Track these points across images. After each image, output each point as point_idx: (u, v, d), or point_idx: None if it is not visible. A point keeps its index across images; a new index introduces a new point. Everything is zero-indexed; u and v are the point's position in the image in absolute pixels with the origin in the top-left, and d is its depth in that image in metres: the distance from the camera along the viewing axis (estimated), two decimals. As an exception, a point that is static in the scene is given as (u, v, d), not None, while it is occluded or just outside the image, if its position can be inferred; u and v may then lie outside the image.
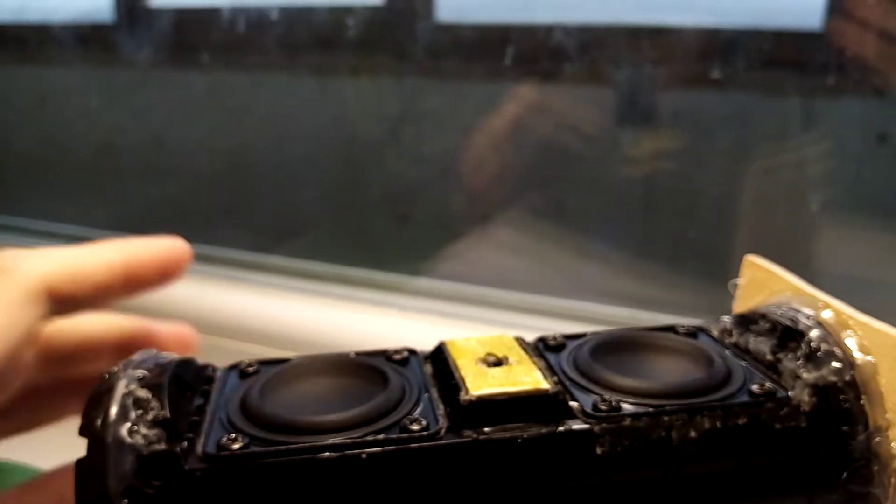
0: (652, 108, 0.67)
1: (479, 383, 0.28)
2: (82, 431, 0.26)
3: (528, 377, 0.28)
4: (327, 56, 0.79)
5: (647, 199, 0.67)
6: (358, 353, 0.33)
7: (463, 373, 0.29)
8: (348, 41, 0.76)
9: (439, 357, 0.31)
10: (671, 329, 0.34)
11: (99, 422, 0.26)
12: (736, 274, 0.36)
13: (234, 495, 0.25)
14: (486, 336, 0.32)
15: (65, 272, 0.33)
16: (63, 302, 0.33)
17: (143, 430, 0.26)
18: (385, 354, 0.33)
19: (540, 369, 0.29)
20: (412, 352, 0.33)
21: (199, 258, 0.75)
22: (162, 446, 0.25)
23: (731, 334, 0.33)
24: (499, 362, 0.30)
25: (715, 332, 0.34)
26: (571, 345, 0.33)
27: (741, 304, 0.36)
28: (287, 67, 0.82)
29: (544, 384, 0.28)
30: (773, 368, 0.30)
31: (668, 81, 0.65)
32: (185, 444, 0.26)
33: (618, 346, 0.32)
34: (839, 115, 0.59)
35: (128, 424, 0.26)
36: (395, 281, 0.69)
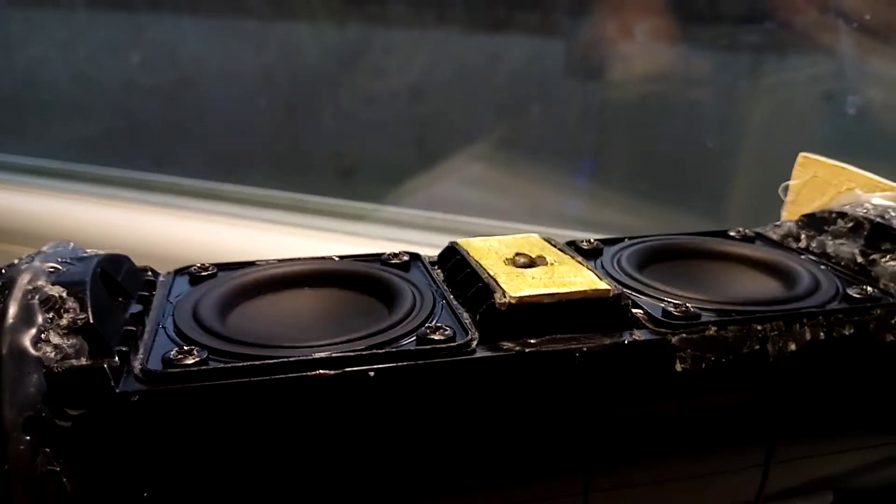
0: (601, 61, 0.62)
1: (518, 284, 0.21)
2: None
3: (578, 277, 0.21)
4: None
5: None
6: (342, 258, 0.26)
7: (493, 272, 0.22)
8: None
9: (453, 258, 0.24)
10: (723, 234, 0.28)
11: (-10, 328, 0.18)
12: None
13: (186, 426, 0.18)
14: (506, 236, 0.25)
15: None
16: None
17: (55, 340, 0.18)
18: (380, 259, 0.25)
19: (590, 269, 0.22)
20: (414, 255, 0.26)
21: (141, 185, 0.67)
22: (82, 361, 0.18)
23: (797, 239, 0.28)
24: (532, 263, 0.23)
25: (774, 237, 0.28)
26: (610, 250, 0.27)
27: (798, 208, 0.30)
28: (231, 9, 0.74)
29: (602, 284, 0.21)
30: (864, 273, 0.24)
31: (618, 35, 0.60)
32: (117, 359, 0.18)
33: (670, 252, 0.26)
34: (786, 72, 0.56)
35: (32, 331, 0.18)
36: (342, 207, 0.62)
